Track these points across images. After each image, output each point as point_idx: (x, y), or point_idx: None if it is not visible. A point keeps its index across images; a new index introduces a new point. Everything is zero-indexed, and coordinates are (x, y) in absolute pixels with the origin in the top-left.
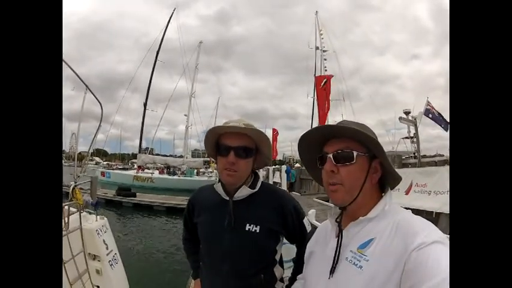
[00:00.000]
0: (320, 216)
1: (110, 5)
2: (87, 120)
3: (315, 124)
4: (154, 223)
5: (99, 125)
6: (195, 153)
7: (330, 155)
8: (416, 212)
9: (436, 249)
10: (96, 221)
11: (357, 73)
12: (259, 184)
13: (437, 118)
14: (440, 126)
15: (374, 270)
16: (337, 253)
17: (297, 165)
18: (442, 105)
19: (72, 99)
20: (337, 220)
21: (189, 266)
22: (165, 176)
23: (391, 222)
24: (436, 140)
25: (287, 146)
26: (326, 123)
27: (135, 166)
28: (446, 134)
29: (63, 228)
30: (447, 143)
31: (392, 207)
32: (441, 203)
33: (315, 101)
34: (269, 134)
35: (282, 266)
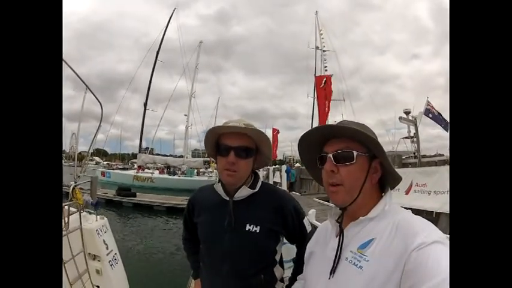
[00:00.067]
0: (320, 216)
1: (109, 4)
2: (87, 120)
3: (315, 124)
4: (154, 223)
5: (99, 125)
6: (195, 153)
7: (330, 155)
8: (417, 211)
9: (436, 250)
10: (96, 221)
11: (357, 73)
12: (259, 184)
13: (437, 118)
14: (440, 126)
15: (374, 270)
16: (338, 253)
17: (297, 165)
18: (442, 105)
19: (72, 99)
20: (338, 221)
21: (189, 266)
22: (165, 176)
23: (391, 222)
24: (436, 139)
25: (287, 146)
26: (327, 123)
27: (135, 166)
28: (446, 134)
29: (63, 228)
30: (447, 142)
31: (393, 207)
32: (441, 203)
33: (315, 101)
34: (269, 133)
35: (282, 266)
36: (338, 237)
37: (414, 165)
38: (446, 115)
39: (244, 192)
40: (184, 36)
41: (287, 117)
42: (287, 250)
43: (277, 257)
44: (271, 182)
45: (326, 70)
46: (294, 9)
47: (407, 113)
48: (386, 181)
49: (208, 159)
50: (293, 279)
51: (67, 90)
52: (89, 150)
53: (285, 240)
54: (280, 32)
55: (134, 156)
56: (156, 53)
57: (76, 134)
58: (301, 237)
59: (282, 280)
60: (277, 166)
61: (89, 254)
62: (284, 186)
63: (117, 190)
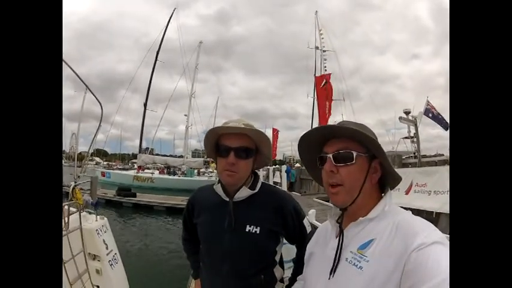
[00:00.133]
0: (320, 217)
1: (109, 4)
2: (87, 120)
3: (315, 124)
4: (154, 223)
5: (99, 125)
6: (195, 153)
7: (330, 156)
8: (417, 212)
9: (436, 250)
10: (96, 221)
11: (357, 73)
12: (259, 185)
13: (437, 118)
14: (440, 125)
15: (374, 270)
16: (338, 254)
17: (297, 165)
18: (442, 105)
19: (72, 99)
20: (338, 221)
21: (189, 266)
22: (165, 176)
23: (391, 222)
24: (436, 139)
25: (287, 146)
26: (328, 124)
27: (135, 166)
28: (446, 134)
29: (63, 228)
30: (447, 142)
31: (392, 207)
32: (441, 203)
33: (315, 101)
34: (269, 133)
35: (282, 267)
36: (338, 238)
37: (414, 165)
38: (446, 115)
39: (244, 192)
40: (184, 36)
41: (287, 117)
42: (287, 250)
43: (277, 258)
44: (271, 182)
45: (326, 70)
46: (294, 9)
47: (407, 113)
48: (386, 181)
49: (208, 159)
50: (293, 279)
51: (67, 90)
52: (88, 150)
53: (285, 241)
54: (280, 32)
55: (134, 156)
56: (156, 53)
57: (76, 134)
58: (301, 238)
59: (282, 280)
60: (277, 166)
61: (89, 254)
62: (284, 186)
63: (117, 190)
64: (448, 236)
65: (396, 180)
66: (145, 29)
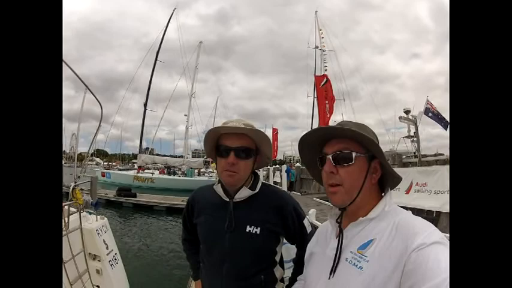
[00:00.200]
0: (320, 216)
1: (110, 4)
2: (87, 120)
3: (315, 124)
4: (154, 223)
5: (99, 125)
6: (195, 153)
7: (329, 156)
8: (417, 211)
9: (436, 250)
10: (96, 221)
11: (357, 72)
12: (259, 185)
13: (437, 117)
14: (440, 125)
15: (374, 271)
16: (338, 254)
17: (297, 164)
18: (442, 105)
19: (72, 99)
20: (337, 221)
21: (189, 267)
22: (166, 176)
23: (391, 222)
24: (436, 139)
25: (287, 146)
26: (329, 124)
27: (136, 166)
28: (447, 133)
29: (63, 228)
30: (447, 142)
31: (393, 207)
32: (441, 203)
33: (315, 101)
34: (269, 133)
35: (282, 267)
36: (338, 238)
37: (414, 165)
38: (446, 114)
39: (244, 193)
40: (184, 36)
41: (287, 117)
42: (287, 250)
43: (277, 258)
44: (271, 182)
45: (326, 70)
46: (294, 8)
47: (407, 112)
48: (386, 181)
49: (208, 159)
50: (293, 279)
51: (67, 91)
52: (88, 150)
53: (285, 241)
54: (280, 31)
55: (134, 156)
56: (156, 53)
57: (76, 134)
58: (301, 238)
59: (282, 280)
60: (277, 166)
61: (89, 254)
62: (284, 186)
63: (117, 190)
64: (449, 235)
65: (396, 180)
66: (145, 29)
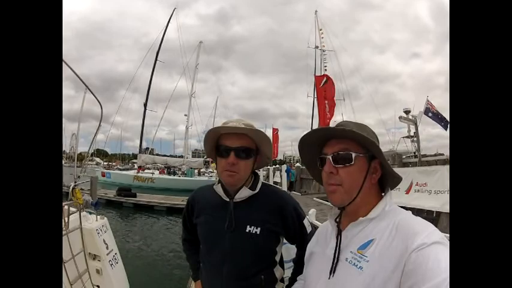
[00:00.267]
0: (320, 216)
1: (110, 4)
2: (87, 120)
3: (315, 124)
4: (154, 223)
5: (99, 125)
6: (195, 153)
7: (329, 157)
8: (417, 211)
9: (436, 250)
10: (96, 220)
11: (357, 72)
12: (259, 185)
13: (437, 117)
14: (440, 125)
15: (374, 271)
16: (337, 254)
17: (297, 164)
18: (442, 104)
19: (72, 99)
20: (336, 220)
21: (189, 267)
22: (166, 176)
23: (391, 223)
24: (436, 139)
25: (287, 146)
26: (329, 125)
27: (136, 166)
28: (447, 133)
29: (63, 228)
30: (447, 142)
31: (393, 207)
32: (442, 202)
33: (315, 101)
34: (269, 133)
35: (283, 267)
36: (337, 238)
37: (414, 165)
38: (446, 114)
39: (244, 193)
40: (184, 36)
41: (287, 117)
42: (287, 250)
43: (277, 258)
44: (271, 182)
45: (326, 69)
46: (294, 8)
47: (407, 112)
48: (386, 181)
49: (208, 159)
50: (293, 279)
51: (67, 90)
52: (88, 150)
53: (285, 241)
54: (280, 31)
55: (134, 156)
56: (156, 53)
57: (76, 134)
58: (301, 238)
59: (282, 280)
60: (277, 166)
61: (89, 253)
62: (284, 186)
63: (118, 190)
64: (449, 235)
65: (396, 180)
66: (145, 29)
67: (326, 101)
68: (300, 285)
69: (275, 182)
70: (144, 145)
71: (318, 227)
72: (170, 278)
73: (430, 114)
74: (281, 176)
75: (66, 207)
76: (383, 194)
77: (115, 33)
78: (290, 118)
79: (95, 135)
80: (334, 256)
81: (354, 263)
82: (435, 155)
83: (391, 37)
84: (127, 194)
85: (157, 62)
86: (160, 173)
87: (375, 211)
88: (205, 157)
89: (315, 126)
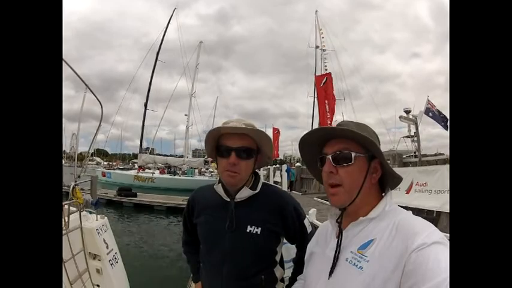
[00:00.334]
0: (320, 216)
1: (110, 4)
2: (87, 120)
3: (315, 123)
4: (155, 223)
5: (99, 125)
6: (195, 153)
7: (329, 156)
8: (417, 211)
9: (436, 250)
10: (97, 220)
11: (357, 71)
12: (260, 185)
13: (437, 117)
14: (440, 125)
15: (374, 271)
16: (337, 254)
17: (298, 164)
18: (442, 104)
19: (72, 99)
20: (337, 220)
21: (189, 268)
22: (166, 175)
23: (392, 222)
24: (437, 138)
25: (288, 146)
26: (329, 124)
27: (136, 166)
28: (447, 133)
29: (63, 228)
30: (447, 141)
31: (393, 207)
32: (442, 202)
33: (315, 101)
34: (270, 133)
35: (283, 267)
36: (337, 238)
37: (415, 165)
38: (446, 114)
39: (245, 193)
40: (184, 36)
41: (287, 117)
42: (287, 250)
43: (278, 258)
44: (271, 182)
45: (326, 69)
46: (294, 8)
47: (407, 112)
48: (386, 181)
49: (208, 159)
50: (293, 279)
51: (67, 90)
52: (89, 150)
53: (285, 241)
54: (281, 31)
55: (135, 156)
56: (156, 53)
57: (76, 134)
58: (301, 238)
59: (282, 280)
60: (277, 166)
61: (89, 253)
62: (284, 186)
63: (118, 190)
64: (449, 235)
65: (397, 180)
66: (145, 29)
67: (326, 101)
68: (300, 285)
69: (275, 182)
70: (145, 145)
71: (318, 227)
72: (170, 278)
73: (430, 114)
74: (281, 176)
75: (66, 206)
76: (383, 194)
77: (115, 33)
78: (290, 118)
79: (95, 135)
80: (335, 256)
81: (354, 263)
82: (435, 154)
83: (391, 37)
84: (127, 193)
85: (157, 62)
86: (160, 172)
87: (375, 211)
88: (205, 157)
89: (316, 126)
